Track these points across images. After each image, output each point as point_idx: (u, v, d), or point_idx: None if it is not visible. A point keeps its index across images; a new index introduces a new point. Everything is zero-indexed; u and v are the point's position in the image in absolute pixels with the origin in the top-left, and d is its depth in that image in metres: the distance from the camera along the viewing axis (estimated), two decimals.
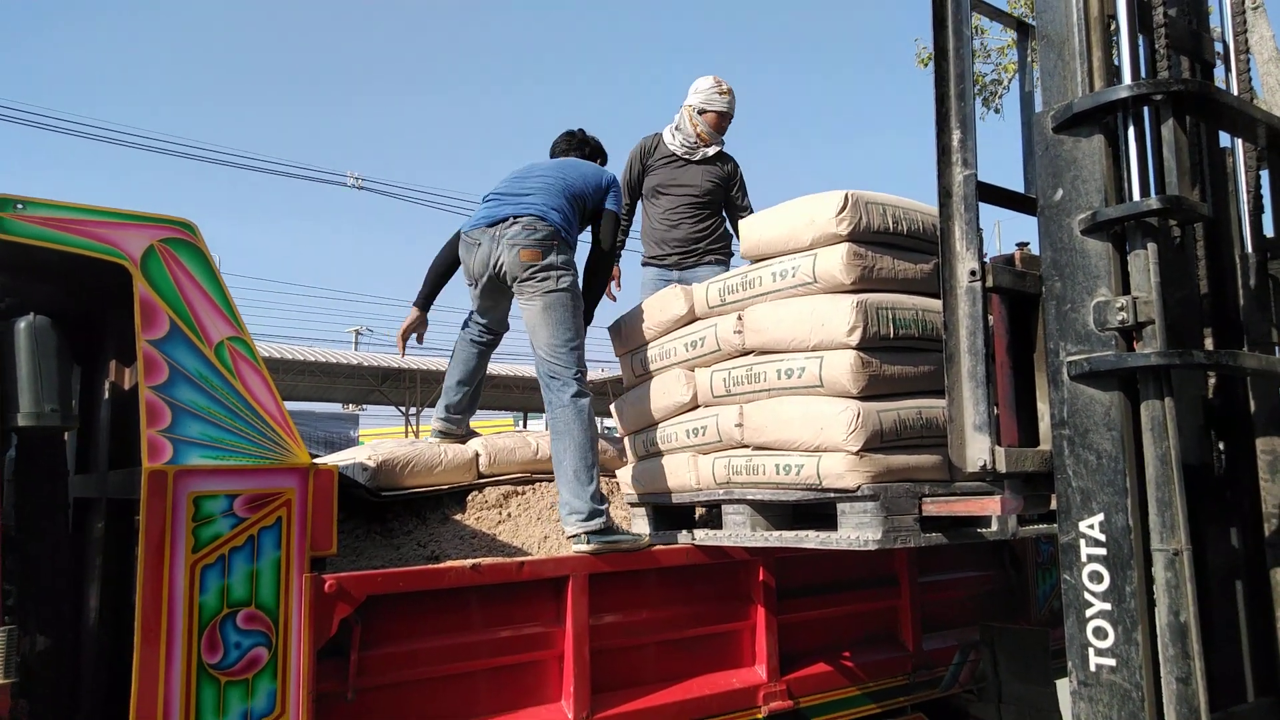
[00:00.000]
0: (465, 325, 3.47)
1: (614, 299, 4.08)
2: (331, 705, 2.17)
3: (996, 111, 12.30)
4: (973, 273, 2.14)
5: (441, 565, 2.43)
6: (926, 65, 12.00)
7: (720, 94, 4.08)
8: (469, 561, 2.42)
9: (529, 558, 2.63)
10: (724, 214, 4.19)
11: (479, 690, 2.42)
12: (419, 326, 3.51)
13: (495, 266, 3.06)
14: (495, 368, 19.98)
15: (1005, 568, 3.71)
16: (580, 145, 3.57)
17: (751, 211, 4.00)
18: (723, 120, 4.12)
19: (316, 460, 2.21)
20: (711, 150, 4.14)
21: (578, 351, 2.96)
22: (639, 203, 4.24)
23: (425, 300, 3.47)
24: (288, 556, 2.10)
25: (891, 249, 2.52)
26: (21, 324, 1.96)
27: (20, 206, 1.96)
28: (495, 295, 3.26)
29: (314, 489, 2.16)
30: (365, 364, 18.20)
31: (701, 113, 4.06)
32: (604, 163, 3.62)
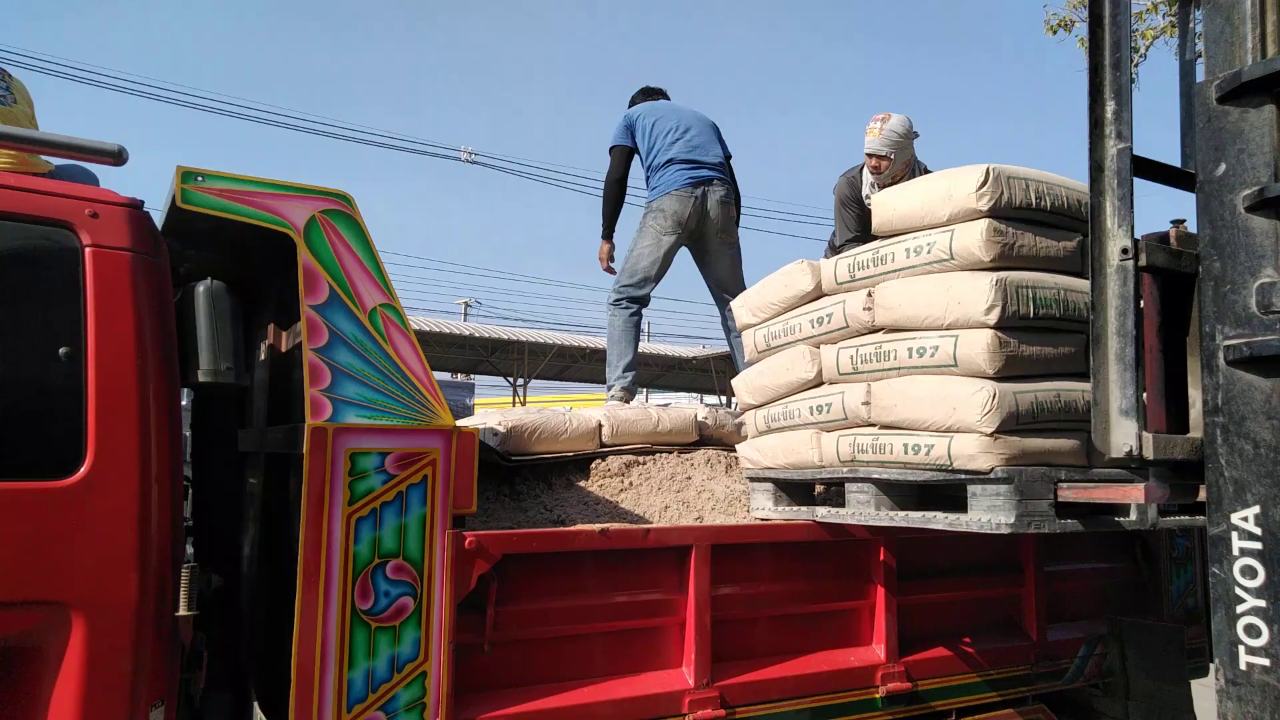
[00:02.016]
0: (620, 305, 4.02)
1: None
2: (469, 656, 2.28)
3: (1132, 81, 11.56)
4: (1124, 251, 2.06)
5: (572, 529, 2.52)
6: (1055, 34, 11.34)
7: (867, 135, 3.84)
8: (598, 526, 2.50)
9: (654, 525, 2.69)
10: None
11: (603, 651, 2.50)
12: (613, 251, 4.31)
13: (702, 217, 4.02)
14: (600, 341, 20.24)
15: (1136, 560, 3.56)
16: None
17: None
18: (874, 162, 3.86)
19: (458, 424, 2.32)
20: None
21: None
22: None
23: (609, 231, 4.23)
24: (432, 513, 2.22)
25: (1033, 225, 2.44)
26: (200, 288, 2.12)
27: (200, 179, 2.11)
28: (691, 243, 4.15)
29: (457, 450, 2.27)
30: (476, 335, 18.70)
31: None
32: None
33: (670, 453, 3.30)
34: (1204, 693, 3.38)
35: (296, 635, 2.05)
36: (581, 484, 3.10)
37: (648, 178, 4.13)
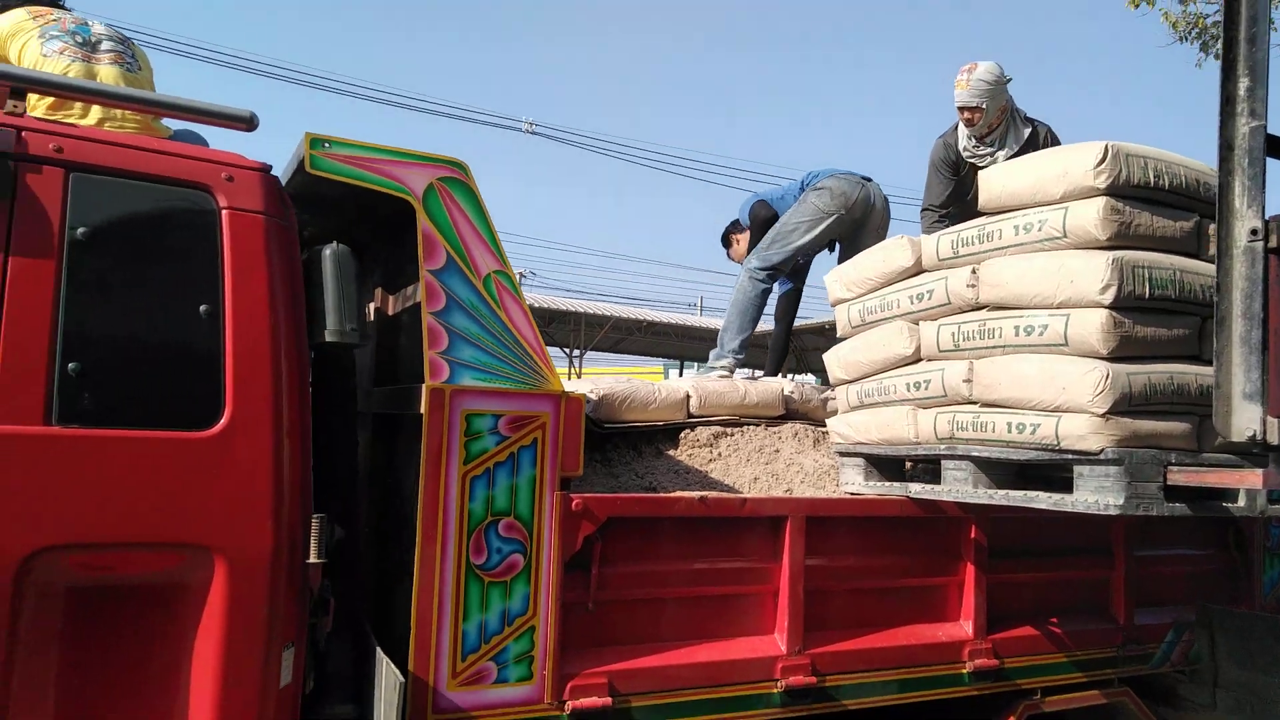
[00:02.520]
0: (757, 277, 4.04)
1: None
2: (574, 613, 2.35)
3: (1217, 59, 11.09)
4: (1254, 232, 2.01)
5: (673, 495, 2.56)
6: (1136, 7, 10.88)
7: (956, 89, 3.69)
8: (697, 494, 2.54)
9: (751, 495, 2.72)
10: None
11: (700, 615, 2.56)
12: None
13: (869, 209, 4.04)
14: (656, 314, 20.26)
15: (1229, 549, 3.50)
16: None
17: None
18: (966, 115, 3.71)
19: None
20: (985, 153, 3.76)
21: None
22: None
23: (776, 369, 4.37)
24: (542, 474, 2.28)
25: (1151, 205, 2.39)
26: (327, 251, 2.19)
27: (328, 145, 2.18)
28: (848, 232, 4.10)
29: (565, 415, 2.32)
30: (533, 305, 18.82)
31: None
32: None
33: (758, 425, 3.32)
34: None
35: (416, 587, 2.13)
36: (671, 453, 3.14)
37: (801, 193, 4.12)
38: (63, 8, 2.88)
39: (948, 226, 3.82)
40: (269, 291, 2.04)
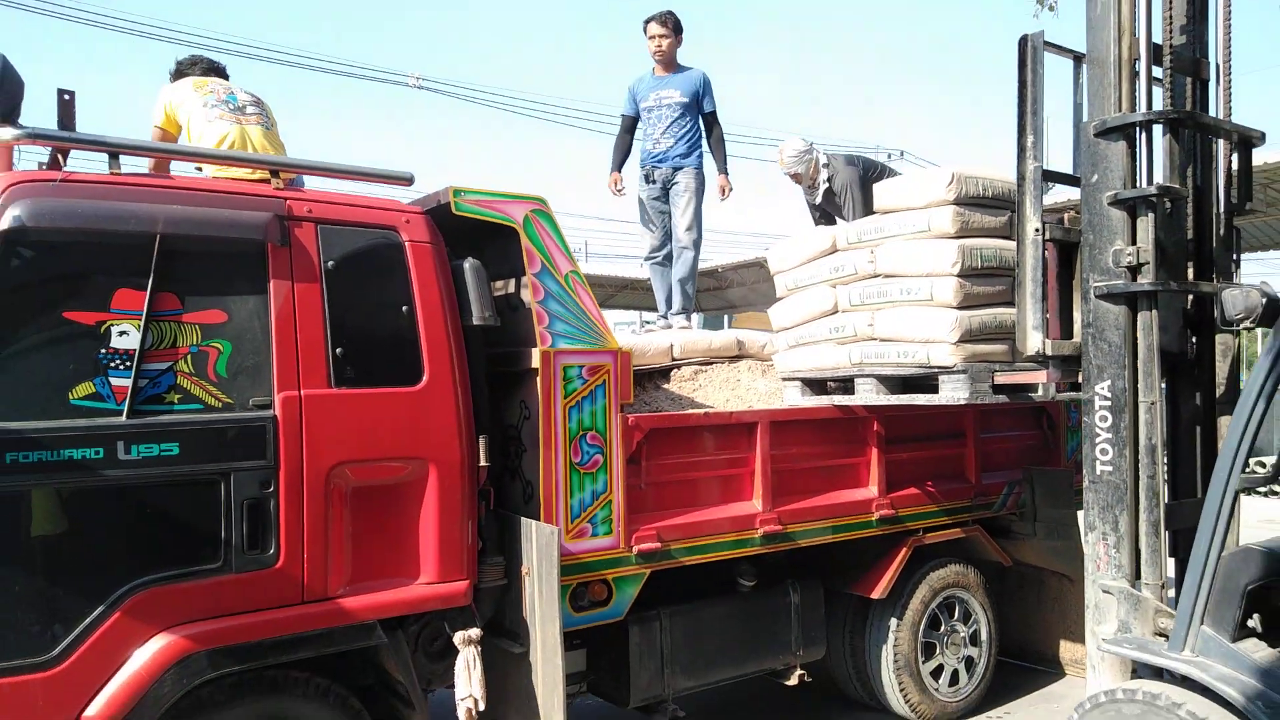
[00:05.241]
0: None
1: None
2: (633, 492, 3.58)
3: (1051, 10, 12.42)
4: (1036, 230, 3.38)
5: (686, 412, 3.81)
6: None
7: (779, 165, 5.12)
8: (701, 410, 3.80)
9: (735, 410, 4.00)
10: None
11: (707, 489, 3.84)
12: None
13: None
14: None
15: (1043, 429, 5.04)
16: None
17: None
18: (792, 178, 5.12)
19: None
20: (815, 194, 5.11)
21: None
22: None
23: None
24: (610, 403, 3.48)
25: (981, 208, 3.75)
26: (467, 264, 3.27)
27: (463, 194, 3.26)
28: None
29: (620, 363, 3.51)
30: None
31: None
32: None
33: (723, 363, 4.59)
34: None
35: (541, 478, 3.32)
36: (665, 386, 4.38)
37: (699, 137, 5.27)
38: (224, 75, 3.76)
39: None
40: (439, 294, 3.14)
